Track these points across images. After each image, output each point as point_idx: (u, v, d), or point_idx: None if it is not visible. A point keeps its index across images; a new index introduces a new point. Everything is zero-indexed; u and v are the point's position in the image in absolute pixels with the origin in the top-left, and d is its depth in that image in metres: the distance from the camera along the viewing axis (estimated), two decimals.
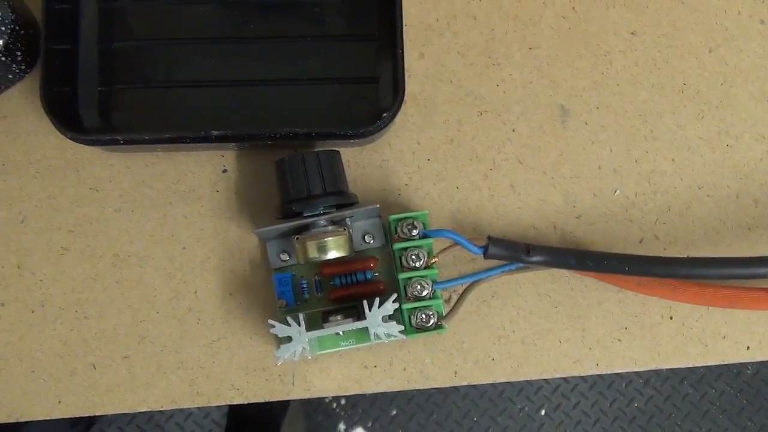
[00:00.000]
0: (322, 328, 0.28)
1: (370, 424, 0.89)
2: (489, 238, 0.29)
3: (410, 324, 0.29)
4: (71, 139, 0.28)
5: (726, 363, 0.31)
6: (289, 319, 0.27)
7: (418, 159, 0.32)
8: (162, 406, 0.30)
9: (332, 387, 0.31)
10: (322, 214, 0.28)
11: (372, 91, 0.31)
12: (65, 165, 0.31)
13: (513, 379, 0.30)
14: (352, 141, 0.30)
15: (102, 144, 0.29)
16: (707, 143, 0.32)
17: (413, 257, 0.29)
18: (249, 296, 0.31)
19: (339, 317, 0.28)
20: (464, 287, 0.30)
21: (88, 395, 0.30)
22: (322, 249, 0.28)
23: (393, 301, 0.27)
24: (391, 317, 0.28)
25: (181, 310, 0.31)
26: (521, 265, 0.29)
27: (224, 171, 0.32)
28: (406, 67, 0.30)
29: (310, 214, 0.28)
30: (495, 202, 0.32)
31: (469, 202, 0.32)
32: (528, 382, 0.89)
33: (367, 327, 0.27)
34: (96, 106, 0.31)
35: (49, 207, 0.31)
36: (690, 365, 0.31)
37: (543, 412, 0.91)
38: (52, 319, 0.31)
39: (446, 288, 0.30)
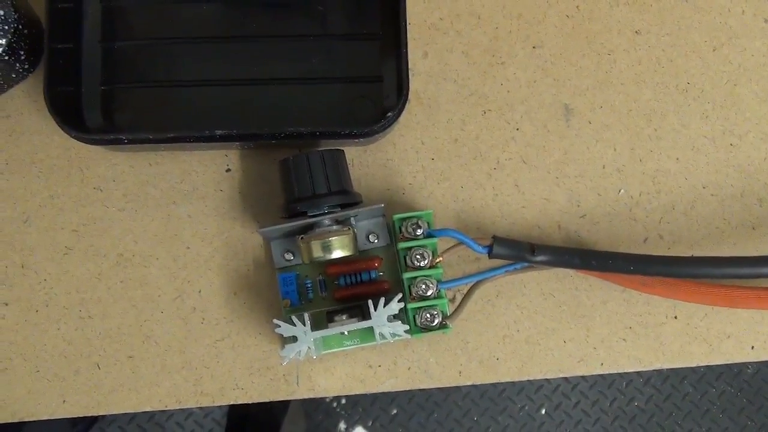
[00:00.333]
0: (327, 327, 0.28)
1: (370, 423, 0.89)
2: (494, 237, 0.29)
3: (415, 323, 0.29)
4: (75, 138, 0.28)
5: (730, 363, 0.31)
6: (294, 318, 0.27)
7: (422, 158, 0.32)
8: (166, 406, 0.30)
9: (337, 386, 0.31)
10: (326, 214, 0.28)
11: (376, 90, 0.31)
12: (69, 164, 0.31)
13: (517, 379, 0.30)
14: (356, 140, 0.30)
15: (106, 143, 0.29)
16: (711, 142, 0.32)
17: (418, 257, 0.29)
18: (253, 296, 0.31)
19: (344, 317, 0.28)
20: (469, 287, 0.30)
21: (92, 395, 0.30)
22: (327, 248, 0.28)
23: (398, 301, 0.27)
24: (396, 317, 0.28)
25: (185, 309, 0.31)
26: (526, 264, 0.29)
27: (228, 170, 0.31)
28: (410, 66, 0.30)
29: (314, 213, 0.28)
30: (499, 202, 0.32)
31: (473, 201, 0.31)
32: (529, 381, 0.89)
33: (372, 327, 0.27)
34: (99, 105, 0.31)
35: (52, 206, 0.31)
36: (695, 365, 0.31)
37: (543, 411, 0.91)
38: (56, 318, 0.31)
39: (451, 287, 0.30)
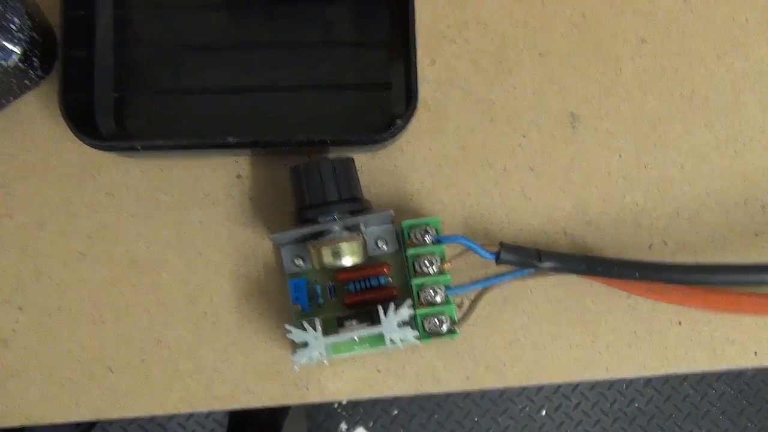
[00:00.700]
0: (338, 333, 0.28)
1: (371, 424, 0.89)
2: (501, 244, 0.29)
3: (423, 329, 0.29)
4: (89, 145, 0.29)
5: (734, 368, 0.31)
6: (305, 324, 0.28)
7: (430, 165, 0.32)
8: (179, 410, 0.30)
9: (346, 391, 0.31)
10: (336, 220, 0.29)
11: (384, 97, 0.32)
12: (82, 170, 0.32)
13: (524, 384, 0.31)
14: (365, 147, 0.30)
15: (120, 150, 0.29)
16: (715, 150, 0.32)
17: (426, 263, 0.29)
18: (263, 300, 0.31)
19: (354, 322, 0.28)
20: (476, 292, 0.31)
21: (105, 398, 0.31)
22: (337, 255, 0.28)
23: (408, 307, 0.28)
24: (405, 322, 0.28)
25: (196, 314, 0.31)
26: (533, 270, 0.30)
27: (238, 176, 0.32)
28: (418, 73, 0.30)
29: (325, 220, 0.29)
30: (506, 208, 0.32)
31: (480, 207, 0.32)
32: None
33: (382, 332, 0.28)
34: (111, 112, 0.31)
35: (66, 212, 0.32)
36: (699, 370, 0.31)
37: (544, 413, 0.91)
38: (69, 323, 0.31)
39: (459, 294, 0.31)
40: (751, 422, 0.93)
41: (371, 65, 0.32)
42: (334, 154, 0.31)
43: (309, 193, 0.28)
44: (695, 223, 0.32)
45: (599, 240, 0.32)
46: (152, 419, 0.82)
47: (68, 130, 0.30)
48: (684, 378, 0.92)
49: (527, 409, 0.91)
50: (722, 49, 0.33)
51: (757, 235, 0.32)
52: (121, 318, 0.31)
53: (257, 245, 0.32)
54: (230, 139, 0.29)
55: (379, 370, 0.31)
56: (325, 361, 0.28)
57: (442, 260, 0.30)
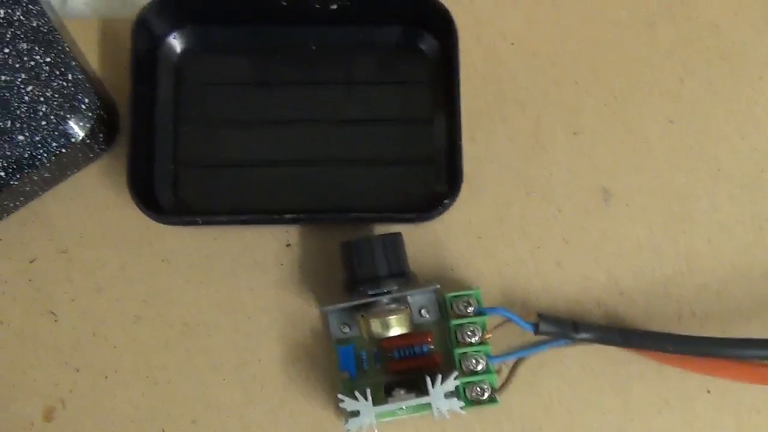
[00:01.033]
0: (386, 401, 0.29)
1: None
2: (539, 315, 0.31)
3: (465, 396, 0.31)
4: (154, 219, 0.31)
5: None
6: (357, 394, 0.29)
7: (469, 236, 0.34)
8: None
9: None
10: (385, 293, 0.30)
11: (426, 172, 0.33)
12: (139, 238, 0.33)
13: None
14: (410, 222, 0.32)
15: (182, 224, 0.31)
16: (741, 225, 0.34)
17: (469, 333, 0.31)
18: (309, 364, 0.33)
19: (402, 392, 0.30)
20: (514, 361, 0.32)
21: None
22: (386, 326, 0.30)
23: (454, 378, 0.29)
24: (452, 393, 0.30)
25: (246, 377, 0.33)
26: (569, 341, 0.31)
27: (288, 245, 0.34)
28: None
29: (374, 292, 0.30)
30: (542, 279, 0.34)
31: (517, 278, 0.34)
32: None
33: (429, 402, 0.29)
34: (170, 184, 0.33)
35: (123, 277, 0.33)
36: None
37: None
38: (124, 384, 0.32)
39: (498, 362, 0.32)
40: None
41: (414, 141, 0.34)
42: (380, 226, 0.33)
43: (360, 266, 0.30)
44: (722, 295, 0.34)
45: (630, 310, 0.33)
46: None
47: (127, 199, 0.32)
48: None
49: None
50: (745, 129, 0.35)
51: None
52: (173, 380, 0.33)
53: (305, 311, 0.33)
54: (287, 216, 0.30)
55: None
56: (375, 430, 0.29)
57: (483, 330, 0.31)
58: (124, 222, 0.33)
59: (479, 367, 0.31)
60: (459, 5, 0.34)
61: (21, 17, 0.31)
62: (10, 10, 0.31)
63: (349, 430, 0.29)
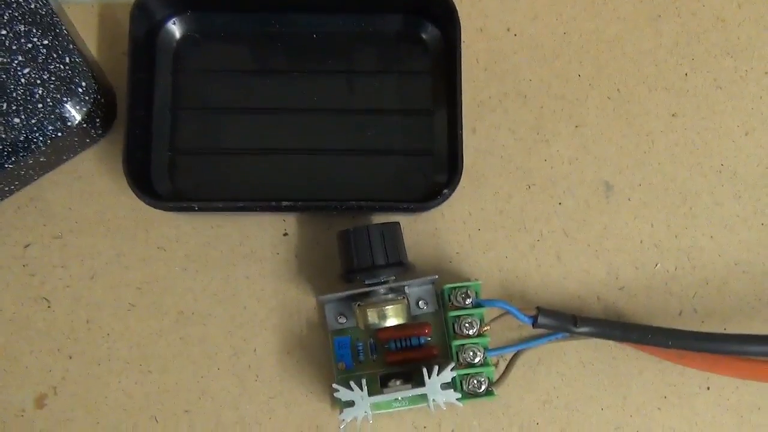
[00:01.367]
0: (382, 392, 0.29)
1: None
2: (538, 308, 0.30)
3: (462, 389, 0.30)
4: (150, 205, 0.30)
5: None
6: (352, 383, 0.29)
7: (469, 228, 0.33)
8: None
9: None
10: (383, 283, 0.30)
11: (427, 163, 0.33)
12: (135, 225, 0.33)
13: None
14: (410, 212, 0.32)
15: (178, 210, 0.31)
16: (743, 221, 0.34)
17: (467, 325, 0.31)
18: (305, 355, 0.32)
19: (398, 382, 0.29)
20: (512, 354, 0.32)
21: None
22: (383, 316, 0.29)
23: (451, 370, 0.29)
24: (448, 384, 0.29)
25: (240, 366, 0.32)
26: (568, 334, 0.31)
27: (285, 234, 0.33)
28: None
29: (372, 282, 0.30)
30: (541, 272, 0.33)
31: (517, 271, 0.33)
32: None
33: (426, 393, 0.29)
34: (166, 171, 0.33)
35: (118, 264, 0.33)
36: None
37: None
38: (117, 372, 0.32)
39: (496, 355, 0.32)
40: None
41: (414, 132, 0.33)
42: (378, 215, 0.33)
43: (357, 256, 0.30)
44: (724, 291, 0.33)
45: (631, 305, 0.33)
46: None
47: (123, 185, 0.31)
48: None
49: None
50: (750, 125, 0.34)
51: None
52: (168, 369, 0.32)
53: (301, 301, 0.33)
54: (283, 203, 0.30)
55: (415, 427, 0.32)
56: (370, 421, 0.29)
57: (482, 323, 0.31)
58: (120, 208, 0.33)
59: (476, 360, 0.30)
60: None
61: None
62: None
63: (343, 420, 0.28)
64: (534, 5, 0.35)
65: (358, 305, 0.30)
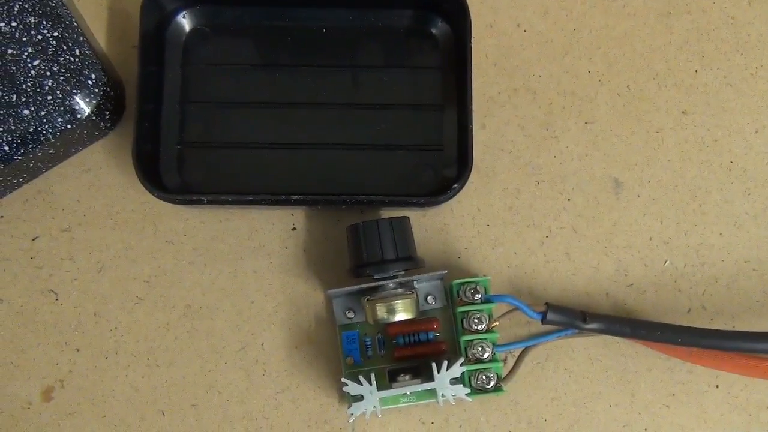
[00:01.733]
0: (390, 386, 0.29)
1: None
2: (547, 304, 0.30)
3: (470, 385, 0.30)
4: (159, 198, 0.30)
5: None
6: (361, 378, 0.29)
7: (478, 224, 0.33)
8: None
9: None
10: (392, 278, 0.30)
11: (436, 158, 0.33)
12: (143, 218, 0.33)
13: None
14: (419, 207, 0.32)
15: (186, 203, 0.31)
16: (753, 219, 0.34)
17: (475, 320, 0.31)
18: (313, 350, 0.32)
19: (407, 377, 0.29)
20: (521, 350, 0.32)
21: None
22: (392, 311, 0.29)
23: (460, 365, 0.29)
24: (457, 379, 0.29)
25: (248, 361, 0.32)
26: (577, 331, 0.31)
27: (293, 229, 0.33)
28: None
29: (381, 277, 0.30)
30: (550, 269, 0.33)
31: (525, 267, 0.33)
32: None
33: (435, 388, 0.29)
34: (175, 164, 0.33)
35: (126, 258, 0.33)
36: None
37: None
38: (124, 365, 0.32)
39: (505, 351, 0.32)
40: None
41: (424, 127, 0.33)
42: (388, 210, 0.33)
43: (367, 250, 0.30)
44: (733, 289, 0.33)
45: (639, 302, 0.33)
46: None
47: (132, 178, 0.31)
48: None
49: None
50: (760, 123, 0.34)
51: None
52: (175, 362, 0.32)
53: (309, 296, 0.33)
54: (293, 197, 0.30)
55: (423, 422, 0.32)
56: (379, 415, 0.29)
57: (490, 318, 0.31)
58: (128, 202, 0.33)
59: (485, 356, 0.30)
60: None
61: None
62: None
63: (352, 414, 0.28)
64: (544, 1, 0.35)
65: (367, 300, 0.30)
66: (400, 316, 0.29)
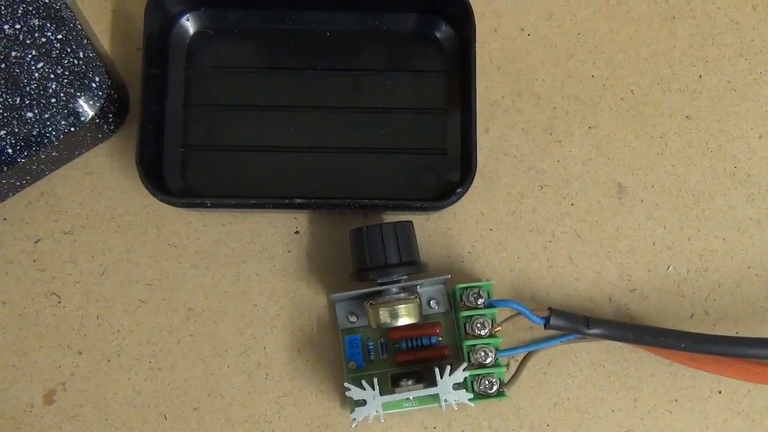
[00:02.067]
0: (393, 392, 0.29)
1: None
2: (550, 309, 0.30)
3: (473, 390, 0.30)
4: (162, 201, 0.30)
5: None
6: (364, 382, 0.28)
7: (481, 228, 0.33)
8: None
9: None
10: (395, 282, 0.30)
11: (439, 162, 0.33)
12: (146, 221, 0.33)
13: None
14: (423, 211, 0.32)
15: (189, 207, 0.31)
16: (757, 225, 0.33)
17: (478, 325, 0.30)
18: (315, 354, 0.32)
19: (410, 382, 0.29)
20: (523, 355, 0.32)
21: None
22: (395, 316, 0.29)
23: (463, 370, 0.29)
24: (460, 384, 0.29)
25: (250, 364, 0.32)
26: (579, 336, 0.31)
27: (296, 232, 0.33)
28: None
29: (384, 281, 0.30)
30: (553, 273, 0.33)
31: (528, 272, 0.33)
32: None
33: (437, 393, 0.29)
34: (178, 167, 0.33)
35: (128, 261, 0.33)
36: None
37: None
38: (126, 368, 0.32)
39: (508, 356, 0.32)
40: None
41: (427, 131, 0.33)
42: (390, 214, 0.32)
43: (370, 254, 0.30)
44: (736, 295, 0.33)
45: (642, 308, 0.33)
46: None
47: (135, 181, 0.31)
48: None
49: None
50: (764, 128, 0.34)
51: None
52: (177, 366, 0.32)
53: (311, 300, 0.33)
54: (296, 201, 0.30)
55: (425, 427, 0.32)
56: (381, 420, 0.29)
57: (493, 323, 0.31)
58: (132, 205, 0.33)
59: (488, 360, 0.30)
60: None
61: None
62: None
63: (354, 419, 0.28)
64: (548, 5, 0.35)
65: (370, 304, 0.30)
66: (403, 320, 0.29)
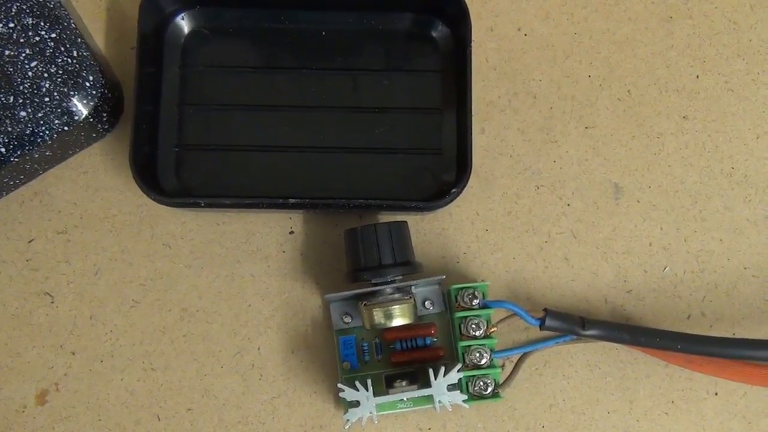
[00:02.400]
0: (387, 392, 0.29)
1: None
2: (546, 310, 0.30)
3: (468, 391, 0.30)
4: (156, 201, 0.30)
5: None
6: (357, 384, 0.28)
7: (477, 229, 0.33)
8: None
9: None
10: (390, 283, 0.30)
11: (435, 162, 0.33)
12: (140, 221, 0.33)
13: None
14: (418, 212, 0.31)
15: (184, 206, 0.30)
16: (754, 225, 0.33)
17: (473, 326, 0.30)
18: (309, 355, 0.32)
19: (404, 383, 0.29)
20: (519, 356, 0.31)
21: None
22: (389, 316, 0.29)
23: (458, 371, 0.29)
24: (454, 385, 0.29)
25: (244, 365, 0.32)
26: (575, 337, 0.31)
27: (291, 232, 0.33)
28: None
29: (378, 281, 0.30)
30: (549, 274, 0.33)
31: (524, 272, 0.33)
32: None
33: (431, 394, 0.28)
34: (173, 167, 0.32)
35: (122, 261, 0.33)
36: None
37: None
38: (120, 369, 0.32)
39: (503, 357, 0.31)
40: None
41: (423, 131, 0.33)
42: (385, 214, 0.32)
43: (365, 255, 0.29)
44: (733, 296, 0.33)
45: (639, 309, 0.33)
46: None
47: (129, 181, 0.31)
48: None
49: None
50: (761, 129, 0.34)
51: None
52: (171, 366, 0.32)
53: (306, 300, 0.33)
54: (291, 201, 0.30)
55: (420, 429, 0.32)
56: (375, 421, 0.29)
57: (488, 324, 0.31)
58: (125, 204, 0.33)
59: (483, 361, 0.30)
60: None
61: None
62: None
63: (348, 420, 0.28)
64: (545, 5, 0.35)
65: (364, 305, 0.29)
66: (398, 321, 0.29)
